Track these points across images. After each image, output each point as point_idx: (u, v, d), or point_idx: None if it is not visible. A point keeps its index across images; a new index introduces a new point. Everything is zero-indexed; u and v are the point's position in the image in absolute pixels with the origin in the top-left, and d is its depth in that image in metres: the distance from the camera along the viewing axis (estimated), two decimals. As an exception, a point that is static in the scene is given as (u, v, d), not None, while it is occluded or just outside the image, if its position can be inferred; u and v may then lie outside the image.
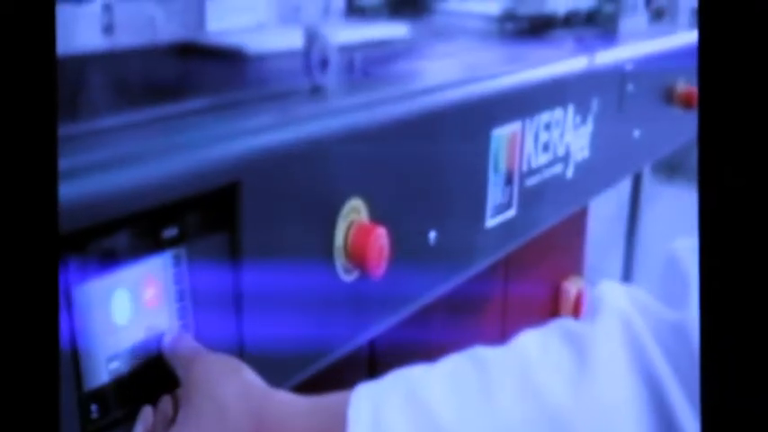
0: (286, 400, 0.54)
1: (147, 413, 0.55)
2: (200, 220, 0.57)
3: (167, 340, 0.57)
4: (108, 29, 0.86)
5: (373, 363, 0.94)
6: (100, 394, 0.53)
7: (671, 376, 0.48)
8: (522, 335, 0.54)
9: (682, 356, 0.48)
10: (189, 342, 0.57)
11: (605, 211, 1.79)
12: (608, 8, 1.31)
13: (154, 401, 0.56)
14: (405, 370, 0.54)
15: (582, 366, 0.50)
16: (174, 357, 0.56)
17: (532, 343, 0.53)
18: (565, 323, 0.54)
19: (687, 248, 0.53)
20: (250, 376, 0.55)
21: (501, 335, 1.19)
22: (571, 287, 1.47)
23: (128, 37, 0.88)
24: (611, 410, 0.48)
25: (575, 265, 1.52)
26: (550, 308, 1.45)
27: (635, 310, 0.52)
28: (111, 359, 0.54)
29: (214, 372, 0.54)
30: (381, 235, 0.69)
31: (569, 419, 0.48)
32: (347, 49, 0.86)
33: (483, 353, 0.53)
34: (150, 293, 0.56)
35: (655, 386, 0.48)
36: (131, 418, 0.54)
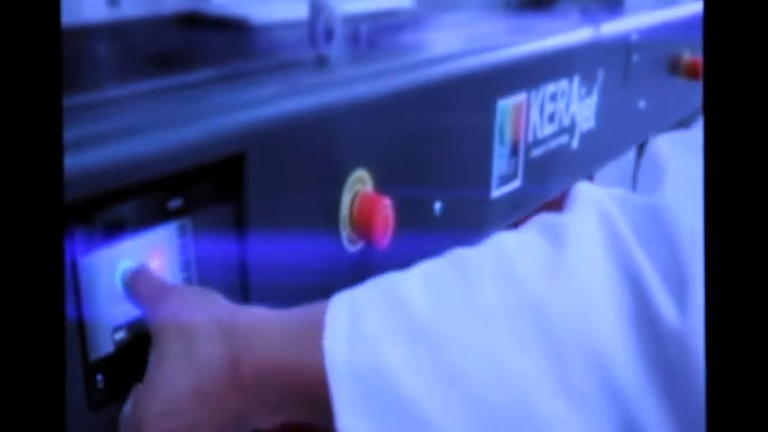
0: (259, 314, 0.53)
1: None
2: (205, 190, 0.57)
3: (127, 275, 0.54)
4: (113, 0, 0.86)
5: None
6: (105, 364, 0.53)
7: (644, 257, 0.48)
8: (498, 233, 0.54)
9: (654, 237, 0.49)
10: (152, 277, 0.54)
11: (610, 181, 1.78)
12: (614, -22, 1.31)
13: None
14: (382, 276, 0.53)
15: (558, 251, 0.50)
16: (137, 294, 0.54)
17: (509, 237, 0.53)
18: (541, 217, 0.54)
19: (666, 141, 0.54)
20: (221, 301, 0.54)
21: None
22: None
23: (133, 8, 0.88)
24: (587, 291, 0.48)
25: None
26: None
27: (609, 200, 0.52)
28: (116, 329, 0.54)
29: (184, 306, 0.52)
30: (386, 205, 0.69)
31: (547, 303, 0.48)
32: (352, 20, 0.86)
33: (460, 252, 0.53)
34: (155, 264, 0.56)
35: (629, 266, 0.49)
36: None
